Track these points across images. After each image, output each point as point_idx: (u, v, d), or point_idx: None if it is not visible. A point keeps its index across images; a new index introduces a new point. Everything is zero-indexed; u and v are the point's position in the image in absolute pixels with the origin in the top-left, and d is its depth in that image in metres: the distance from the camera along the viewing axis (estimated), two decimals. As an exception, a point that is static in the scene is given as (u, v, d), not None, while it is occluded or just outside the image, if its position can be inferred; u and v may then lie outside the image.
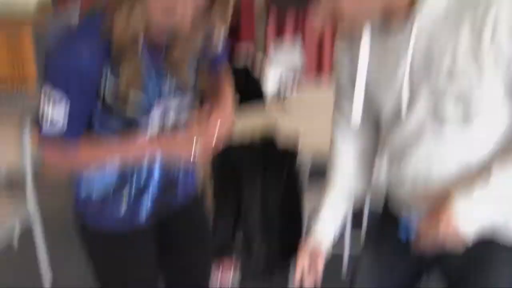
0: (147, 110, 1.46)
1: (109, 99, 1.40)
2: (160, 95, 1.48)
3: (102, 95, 1.40)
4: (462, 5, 1.19)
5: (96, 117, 1.43)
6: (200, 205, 1.82)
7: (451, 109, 1.23)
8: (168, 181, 1.63)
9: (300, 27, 5.42)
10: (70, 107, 1.36)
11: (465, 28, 1.17)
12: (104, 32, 1.33)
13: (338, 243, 2.87)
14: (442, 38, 1.21)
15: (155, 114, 1.49)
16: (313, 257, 1.50)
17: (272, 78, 3.60)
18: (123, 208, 1.57)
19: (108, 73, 1.38)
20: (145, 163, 1.54)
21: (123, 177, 1.54)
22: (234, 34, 5.57)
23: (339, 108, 1.48)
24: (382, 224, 1.59)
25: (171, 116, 1.54)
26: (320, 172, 2.58)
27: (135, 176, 1.55)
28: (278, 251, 2.43)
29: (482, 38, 1.15)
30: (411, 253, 1.42)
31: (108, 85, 1.39)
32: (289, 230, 2.40)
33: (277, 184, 2.33)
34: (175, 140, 1.50)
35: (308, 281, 1.49)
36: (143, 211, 1.61)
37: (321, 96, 3.00)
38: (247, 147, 2.36)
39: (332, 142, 1.54)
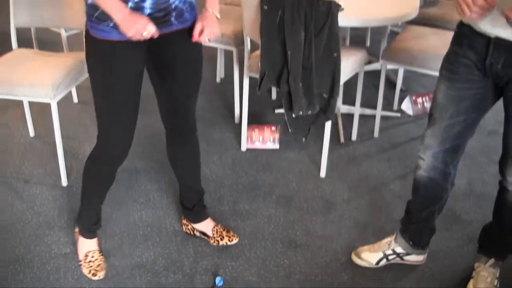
0: None
1: None
2: None
3: None
4: None
5: None
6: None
7: None
8: (162, 5, 1.95)
9: None
10: None
11: None
12: None
13: (371, 105, 3.44)
14: None
15: None
16: None
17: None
18: None
19: None
20: None
21: None
22: None
23: None
24: (457, 48, 1.95)
25: None
26: (357, 39, 2.95)
27: None
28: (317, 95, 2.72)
29: None
30: (485, 70, 1.84)
31: None
32: (327, 81, 2.71)
33: (318, 37, 2.60)
34: (134, 21, 1.84)
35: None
36: None
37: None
38: (293, 1, 2.58)
39: None
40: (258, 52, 2.96)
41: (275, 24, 2.61)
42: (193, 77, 2.20)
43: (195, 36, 2.02)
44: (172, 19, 2.00)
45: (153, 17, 1.94)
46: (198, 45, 2.13)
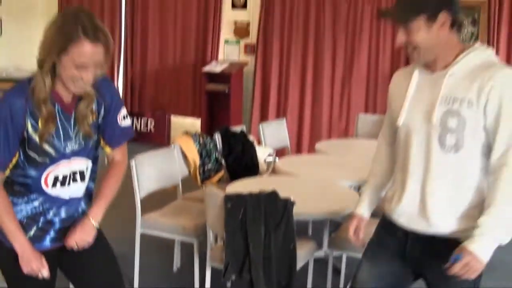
0: (55, 158, 2.09)
1: (28, 147, 2.02)
2: (66, 146, 2.09)
3: (25, 144, 2.03)
4: (478, 71, 1.93)
5: (21, 162, 2.07)
6: (100, 235, 2.31)
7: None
8: (70, 220, 2.22)
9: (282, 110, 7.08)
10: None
11: (474, 87, 1.92)
12: (29, 92, 1.99)
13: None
14: (460, 87, 1.95)
15: (61, 163, 2.11)
16: (358, 225, 2.38)
17: (262, 155, 4.48)
18: (30, 234, 2.16)
19: (30, 125, 2.01)
20: (52, 208, 2.16)
21: (32, 215, 2.15)
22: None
23: (383, 133, 2.35)
24: (381, 234, 2.28)
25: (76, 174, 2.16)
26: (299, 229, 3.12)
27: (43, 214, 2.16)
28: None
29: (480, 101, 1.90)
30: (405, 256, 2.14)
31: (30, 134, 2.01)
32: (285, 270, 3.02)
33: (277, 230, 2.95)
34: (31, 262, 2.12)
35: (357, 239, 2.38)
36: (47, 240, 2.21)
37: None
38: (253, 198, 2.97)
39: (376, 150, 2.39)
40: (219, 244, 3.25)
41: (238, 219, 2.96)
42: (110, 267, 2.39)
43: (67, 240, 2.22)
44: None
45: (63, 229, 2.23)
46: (104, 239, 2.37)
